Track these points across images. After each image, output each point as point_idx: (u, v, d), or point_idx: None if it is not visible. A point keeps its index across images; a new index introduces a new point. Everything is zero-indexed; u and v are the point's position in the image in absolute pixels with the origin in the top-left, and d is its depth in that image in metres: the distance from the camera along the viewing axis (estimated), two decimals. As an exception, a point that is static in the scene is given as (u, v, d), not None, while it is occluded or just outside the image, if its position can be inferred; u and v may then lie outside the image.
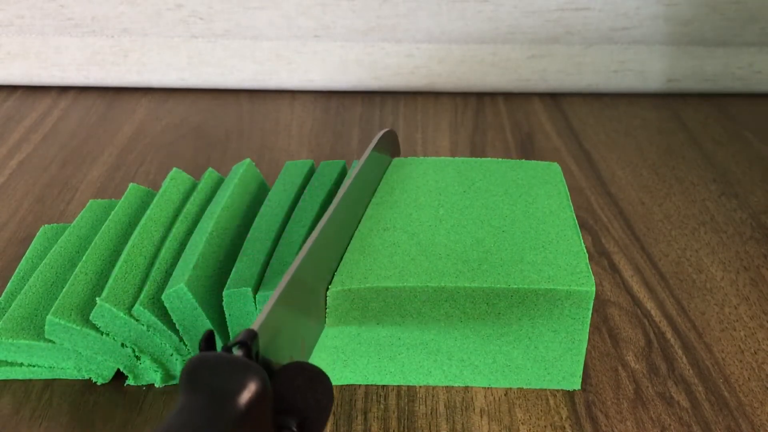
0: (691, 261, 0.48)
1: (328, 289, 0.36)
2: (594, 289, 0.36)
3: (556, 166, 0.45)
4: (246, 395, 0.26)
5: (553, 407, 0.38)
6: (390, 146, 0.47)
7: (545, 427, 0.36)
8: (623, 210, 0.54)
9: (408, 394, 0.38)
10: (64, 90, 0.72)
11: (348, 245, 0.38)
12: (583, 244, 0.38)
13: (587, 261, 0.37)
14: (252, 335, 0.28)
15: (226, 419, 0.25)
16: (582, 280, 0.36)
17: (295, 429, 0.28)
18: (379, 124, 0.66)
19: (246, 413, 0.26)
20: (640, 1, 0.68)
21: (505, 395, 0.38)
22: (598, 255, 0.49)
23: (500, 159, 0.46)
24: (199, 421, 0.25)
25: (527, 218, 0.40)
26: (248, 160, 0.47)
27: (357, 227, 0.40)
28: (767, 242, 0.50)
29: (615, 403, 0.38)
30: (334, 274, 0.36)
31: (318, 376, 0.29)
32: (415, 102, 0.70)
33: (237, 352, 0.28)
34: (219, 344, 0.37)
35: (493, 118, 0.68)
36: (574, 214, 0.41)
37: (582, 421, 0.37)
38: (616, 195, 0.56)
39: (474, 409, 0.37)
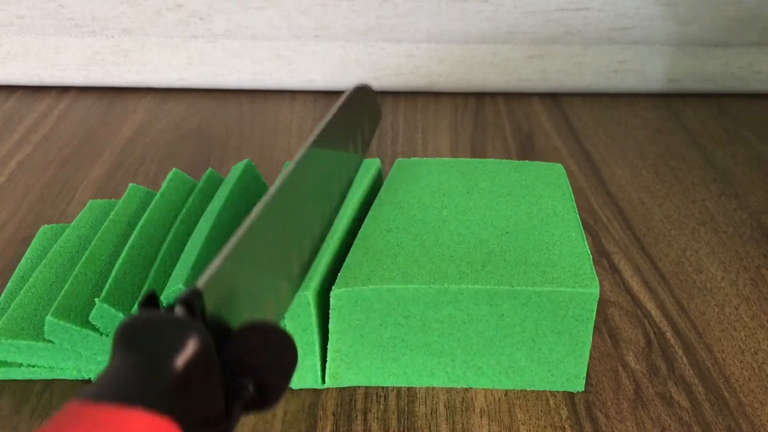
0: (691, 261, 0.48)
1: (328, 292, 0.36)
2: (598, 291, 0.36)
3: (559, 167, 0.45)
4: (183, 356, 0.24)
5: (553, 407, 0.38)
6: (364, 108, 0.41)
7: (545, 427, 0.36)
8: (623, 210, 0.54)
9: (408, 394, 0.38)
10: (64, 90, 0.72)
11: (320, 211, 0.36)
12: (587, 245, 0.38)
13: (591, 263, 0.37)
14: (194, 294, 0.26)
15: (159, 376, 0.23)
16: (586, 282, 0.36)
17: (251, 389, 0.26)
18: (379, 124, 0.66)
19: (184, 375, 0.23)
20: (640, 1, 0.68)
21: (505, 395, 0.38)
22: (598, 255, 0.49)
23: (504, 160, 0.46)
24: (128, 378, 0.23)
25: (531, 219, 0.40)
26: (247, 160, 0.47)
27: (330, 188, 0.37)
28: (767, 242, 0.50)
29: (615, 403, 0.38)
30: (310, 244, 0.34)
31: (278, 336, 0.26)
32: (415, 102, 0.70)
33: (179, 309, 0.25)
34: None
35: (493, 118, 0.68)
36: (578, 216, 0.41)
37: (582, 422, 0.37)
38: (616, 195, 0.56)
39: (474, 410, 0.37)
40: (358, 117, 0.41)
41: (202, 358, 0.24)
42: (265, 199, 0.31)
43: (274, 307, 0.31)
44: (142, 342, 0.24)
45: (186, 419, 0.23)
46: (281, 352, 0.26)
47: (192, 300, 0.25)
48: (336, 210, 0.38)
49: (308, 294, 0.36)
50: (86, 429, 0.21)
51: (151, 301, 0.26)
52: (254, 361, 0.26)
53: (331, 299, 0.36)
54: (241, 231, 0.29)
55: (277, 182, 0.32)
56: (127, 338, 0.24)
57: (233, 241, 0.29)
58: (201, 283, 0.26)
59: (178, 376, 0.23)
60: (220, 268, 0.27)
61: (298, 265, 0.34)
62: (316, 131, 0.36)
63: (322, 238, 0.36)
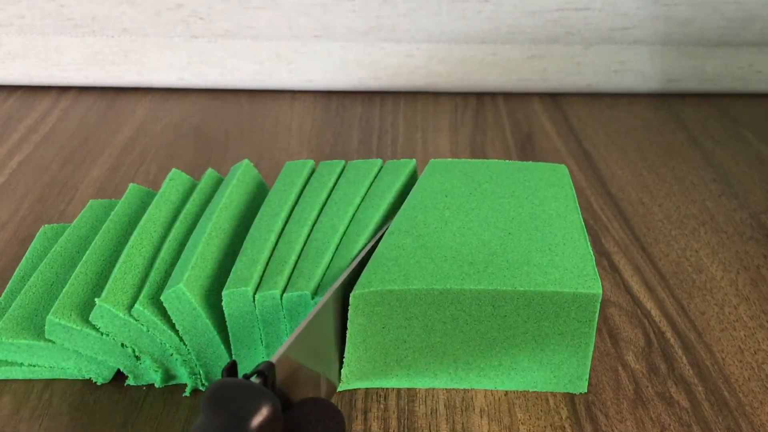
0: (691, 261, 0.48)
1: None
2: (601, 292, 0.35)
3: (563, 168, 0.45)
4: (258, 418, 0.29)
5: (553, 407, 0.38)
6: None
7: (545, 427, 0.36)
8: (623, 210, 0.54)
9: (408, 394, 0.38)
10: (64, 90, 0.72)
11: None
12: (589, 246, 0.38)
13: (594, 263, 0.37)
14: (269, 366, 0.31)
15: None
16: (589, 283, 0.36)
17: None
18: (379, 124, 0.66)
19: None
20: (640, 1, 0.68)
21: (505, 395, 0.38)
22: (598, 255, 0.49)
23: (507, 161, 0.45)
24: None
25: (534, 220, 0.40)
26: (246, 160, 0.47)
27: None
28: (767, 242, 0.50)
29: (615, 403, 0.38)
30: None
31: (331, 412, 0.31)
32: (415, 102, 0.70)
33: (255, 380, 0.31)
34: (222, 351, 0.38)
35: (493, 118, 0.68)
36: (581, 216, 0.40)
37: (582, 421, 0.37)
38: (616, 195, 0.56)
39: (474, 409, 0.37)
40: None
41: (272, 421, 0.29)
42: (332, 289, 0.36)
43: (326, 381, 0.36)
44: (226, 405, 0.29)
45: None
46: (333, 425, 0.31)
47: (267, 371, 0.31)
48: None
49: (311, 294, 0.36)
50: None
51: (232, 369, 0.32)
52: (307, 429, 0.31)
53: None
54: (309, 317, 0.34)
55: (343, 275, 0.37)
56: (215, 400, 0.30)
57: (302, 325, 0.34)
58: (275, 358, 0.32)
59: None
60: (290, 346, 0.33)
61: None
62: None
63: None
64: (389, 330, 0.37)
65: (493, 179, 0.43)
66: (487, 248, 0.38)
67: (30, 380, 0.39)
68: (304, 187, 0.45)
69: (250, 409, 0.29)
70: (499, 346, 0.37)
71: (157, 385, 0.38)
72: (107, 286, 0.38)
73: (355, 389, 0.38)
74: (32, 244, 0.45)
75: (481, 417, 0.37)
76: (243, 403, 0.29)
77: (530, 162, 0.45)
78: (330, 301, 0.36)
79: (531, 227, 0.39)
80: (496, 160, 0.45)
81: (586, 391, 0.38)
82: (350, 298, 0.36)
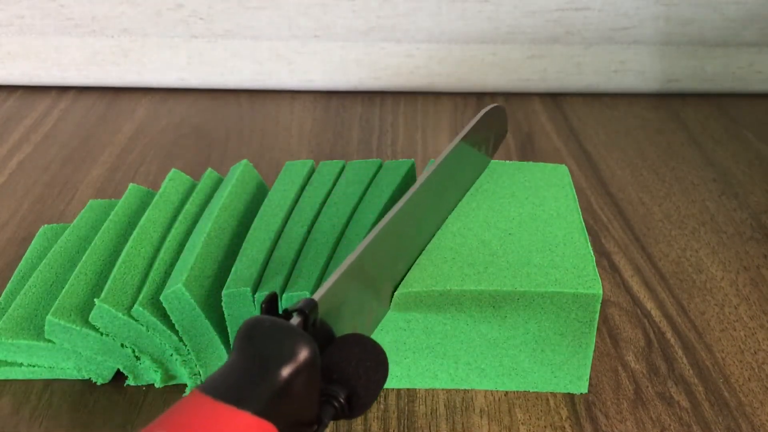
0: (691, 261, 0.48)
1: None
2: (601, 292, 0.35)
3: (563, 168, 0.45)
4: (293, 364, 0.26)
5: (553, 407, 0.38)
6: (492, 129, 0.44)
7: (545, 427, 0.36)
8: (623, 210, 0.54)
9: (408, 394, 0.38)
10: (64, 90, 0.72)
11: (423, 246, 0.38)
12: (590, 246, 0.38)
13: (594, 264, 0.37)
14: (311, 305, 0.29)
15: (269, 383, 0.26)
16: (589, 283, 0.36)
17: (342, 400, 0.28)
18: (379, 124, 0.66)
19: (290, 381, 0.26)
20: (640, 1, 0.68)
21: (505, 395, 0.38)
22: (598, 255, 0.49)
23: (507, 161, 0.45)
24: (242, 381, 0.26)
25: (534, 221, 0.40)
26: (245, 160, 0.47)
27: (438, 227, 0.39)
28: (767, 242, 0.50)
29: (615, 403, 0.38)
30: (401, 272, 0.36)
31: (374, 351, 0.29)
32: (415, 102, 0.70)
33: (295, 318, 0.28)
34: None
35: (493, 118, 0.68)
36: (581, 217, 0.40)
37: (582, 421, 0.37)
38: (616, 195, 0.56)
39: (474, 410, 0.37)
40: (486, 134, 0.44)
41: (307, 369, 0.27)
42: (387, 216, 0.34)
43: (372, 316, 0.34)
44: (259, 346, 0.27)
45: (283, 423, 0.26)
46: (375, 366, 0.29)
47: (308, 310, 0.28)
48: (445, 216, 0.40)
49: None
50: (202, 421, 0.25)
51: (272, 303, 0.29)
52: (349, 371, 0.28)
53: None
54: (360, 249, 0.32)
55: (405, 197, 0.35)
56: (247, 339, 0.27)
57: (352, 258, 0.32)
58: (318, 295, 0.30)
59: (284, 384, 0.26)
60: (336, 282, 0.31)
61: (400, 276, 0.36)
62: (446, 152, 0.39)
63: (425, 246, 0.38)
64: (389, 332, 0.37)
65: (493, 179, 0.43)
66: (487, 249, 0.38)
67: (30, 380, 0.39)
68: (304, 187, 0.45)
69: (284, 355, 0.26)
70: (500, 347, 0.37)
71: (156, 385, 0.38)
72: (107, 286, 0.38)
73: (355, 389, 0.38)
74: (32, 244, 0.45)
75: (481, 417, 0.37)
76: (275, 348, 0.26)
77: (530, 162, 0.45)
78: (383, 232, 0.34)
79: (531, 227, 0.39)
80: (496, 160, 0.45)
81: (586, 391, 0.38)
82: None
